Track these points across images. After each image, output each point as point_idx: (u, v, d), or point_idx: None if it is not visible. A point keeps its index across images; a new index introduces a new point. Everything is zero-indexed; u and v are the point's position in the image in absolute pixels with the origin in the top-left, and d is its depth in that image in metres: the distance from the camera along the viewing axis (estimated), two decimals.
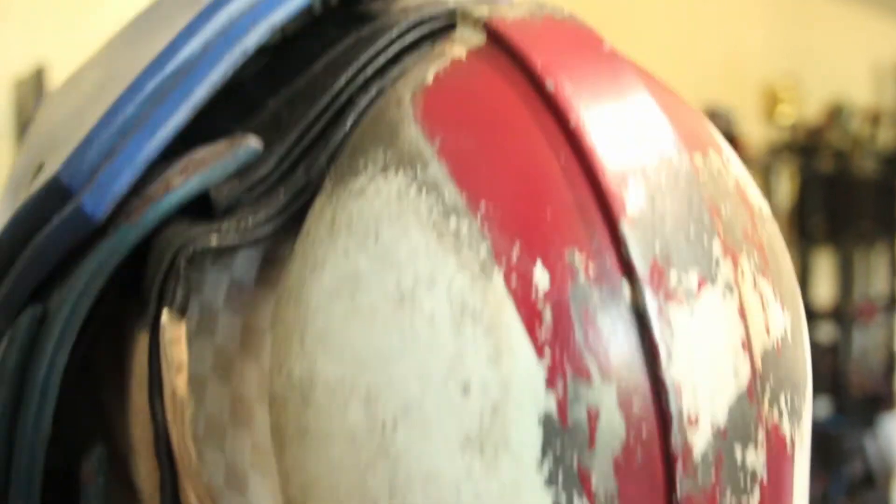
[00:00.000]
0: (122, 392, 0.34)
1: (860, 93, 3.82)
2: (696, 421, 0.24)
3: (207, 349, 0.34)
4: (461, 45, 0.29)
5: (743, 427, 0.25)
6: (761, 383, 0.25)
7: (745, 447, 0.25)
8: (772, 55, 3.59)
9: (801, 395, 0.28)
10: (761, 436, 0.25)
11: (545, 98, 0.26)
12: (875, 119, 3.73)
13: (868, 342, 3.90)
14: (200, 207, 0.32)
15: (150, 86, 0.32)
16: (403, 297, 0.25)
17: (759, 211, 0.29)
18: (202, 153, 0.32)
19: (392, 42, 0.30)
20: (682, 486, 0.23)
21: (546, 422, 0.23)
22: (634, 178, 0.25)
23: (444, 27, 0.31)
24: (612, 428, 0.23)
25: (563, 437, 0.23)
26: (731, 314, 0.25)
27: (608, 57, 0.28)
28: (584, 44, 0.28)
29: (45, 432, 0.31)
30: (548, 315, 0.24)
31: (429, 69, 0.29)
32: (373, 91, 0.30)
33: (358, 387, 0.26)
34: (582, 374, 0.23)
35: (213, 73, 0.31)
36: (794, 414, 0.27)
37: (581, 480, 0.23)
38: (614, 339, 0.24)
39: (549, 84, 0.26)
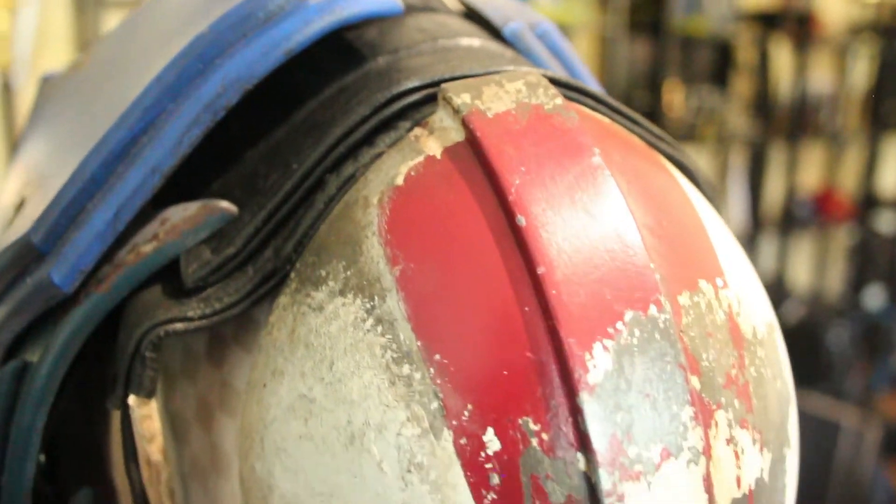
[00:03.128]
0: (107, 439, 0.35)
1: None
2: None
3: (190, 395, 0.34)
4: (438, 136, 0.27)
5: None
6: None
7: None
8: None
9: None
10: None
11: (516, 234, 0.24)
12: None
13: None
14: (171, 267, 0.31)
15: (117, 144, 0.30)
16: (353, 438, 0.24)
17: (751, 338, 0.26)
18: (175, 218, 0.31)
19: (366, 119, 0.28)
20: None
21: None
22: (602, 340, 0.23)
23: (426, 98, 0.29)
24: None
25: None
26: (694, 484, 0.23)
27: (594, 174, 0.25)
28: (570, 154, 0.25)
29: (28, 484, 0.31)
30: (496, 480, 0.23)
31: (401, 166, 0.27)
32: (344, 173, 0.28)
33: None
34: None
35: (182, 139, 0.30)
36: None
37: None
38: None
39: (521, 220, 0.24)
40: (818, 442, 2.56)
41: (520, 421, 0.23)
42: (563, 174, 0.25)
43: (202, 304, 0.29)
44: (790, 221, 3.31)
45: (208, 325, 0.29)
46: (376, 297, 0.25)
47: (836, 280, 3.61)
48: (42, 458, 0.33)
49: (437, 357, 0.23)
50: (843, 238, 3.58)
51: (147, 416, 0.30)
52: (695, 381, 0.24)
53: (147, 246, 0.30)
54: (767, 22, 3.05)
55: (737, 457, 0.25)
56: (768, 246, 3.30)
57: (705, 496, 0.23)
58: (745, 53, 3.11)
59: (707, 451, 0.24)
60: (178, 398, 0.35)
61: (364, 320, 0.25)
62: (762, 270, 3.24)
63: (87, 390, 0.34)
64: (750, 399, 0.25)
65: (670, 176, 0.29)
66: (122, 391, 0.29)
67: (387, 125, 0.28)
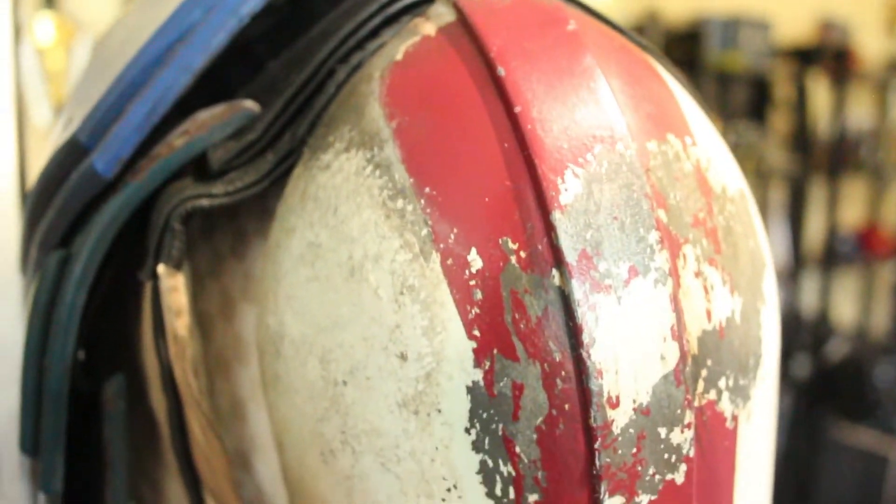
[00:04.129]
0: (139, 328, 0.38)
1: None
2: (617, 400, 0.25)
3: (215, 291, 0.37)
4: (434, 21, 0.30)
5: (669, 407, 0.26)
6: (694, 367, 0.26)
7: (670, 427, 0.26)
8: None
9: (750, 374, 0.28)
10: (689, 416, 0.26)
11: (496, 84, 0.27)
12: None
13: None
14: (200, 164, 0.34)
15: (154, 52, 0.34)
16: (353, 270, 0.27)
17: (720, 193, 0.29)
18: (203, 116, 0.34)
19: (372, 16, 0.32)
20: (600, 458, 0.25)
21: (474, 392, 0.25)
22: (573, 167, 0.25)
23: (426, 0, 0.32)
24: (535, 402, 0.25)
25: (489, 406, 0.25)
26: (662, 303, 0.25)
27: (569, 38, 0.28)
28: (548, 23, 0.28)
29: (68, 360, 0.34)
30: (478, 296, 0.25)
31: (400, 46, 0.30)
32: (352, 62, 0.31)
33: (315, 346, 0.28)
34: (508, 353, 0.25)
35: (211, 41, 0.33)
36: (738, 392, 0.28)
37: (506, 445, 0.25)
38: (541, 323, 0.25)
39: (501, 71, 0.26)
40: (866, 475, 2.50)
41: (500, 240, 0.25)
42: (542, 38, 0.28)
43: (226, 184, 0.32)
44: (833, 258, 3.27)
45: (230, 202, 0.32)
46: (375, 148, 0.28)
47: (881, 317, 3.55)
48: (81, 354, 0.36)
49: (427, 190, 0.26)
50: (887, 275, 3.52)
51: (174, 287, 0.33)
52: (661, 213, 0.26)
53: (179, 140, 0.34)
54: (804, 57, 3.06)
55: (706, 291, 0.27)
56: (811, 283, 3.26)
57: (673, 315, 0.25)
58: (782, 89, 3.12)
59: (674, 275, 0.26)
60: (205, 297, 0.38)
61: (364, 168, 0.28)
62: (805, 307, 3.20)
63: (121, 285, 0.37)
64: (719, 242, 0.28)
65: (647, 62, 0.31)
66: (153, 261, 0.32)
67: (391, 21, 0.32)
